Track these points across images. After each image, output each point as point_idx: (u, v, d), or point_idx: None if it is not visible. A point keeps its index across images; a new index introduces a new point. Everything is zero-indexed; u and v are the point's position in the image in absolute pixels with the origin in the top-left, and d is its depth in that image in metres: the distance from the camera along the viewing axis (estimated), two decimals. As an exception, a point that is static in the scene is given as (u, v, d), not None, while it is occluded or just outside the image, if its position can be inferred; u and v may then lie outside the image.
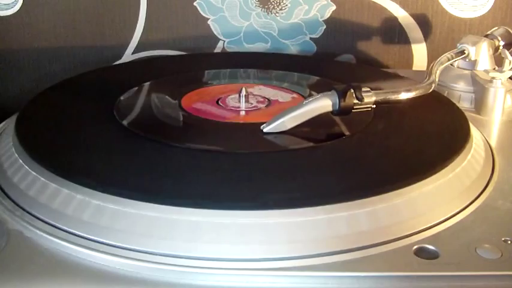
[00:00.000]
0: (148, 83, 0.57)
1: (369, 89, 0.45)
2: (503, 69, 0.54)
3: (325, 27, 0.72)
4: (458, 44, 0.58)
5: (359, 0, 0.71)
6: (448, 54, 0.56)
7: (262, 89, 0.55)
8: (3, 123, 0.51)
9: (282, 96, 0.53)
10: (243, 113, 0.50)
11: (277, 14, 0.72)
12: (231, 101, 0.52)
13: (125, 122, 0.47)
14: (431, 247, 0.34)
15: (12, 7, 0.70)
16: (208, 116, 0.49)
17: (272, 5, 0.72)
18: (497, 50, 0.58)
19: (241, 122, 0.49)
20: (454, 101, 0.55)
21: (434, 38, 0.72)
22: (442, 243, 0.34)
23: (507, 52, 0.55)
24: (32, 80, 0.73)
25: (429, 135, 0.46)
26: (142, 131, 0.45)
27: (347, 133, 0.46)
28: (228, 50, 0.73)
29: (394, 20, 0.72)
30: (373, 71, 0.66)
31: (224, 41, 0.73)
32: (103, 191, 0.36)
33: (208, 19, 0.72)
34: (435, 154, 0.42)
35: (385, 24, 0.72)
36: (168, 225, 0.34)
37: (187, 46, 0.73)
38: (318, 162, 0.41)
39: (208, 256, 0.33)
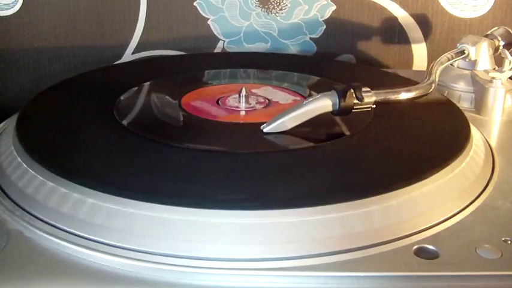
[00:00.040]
0: (148, 83, 0.57)
1: (369, 89, 0.45)
2: (503, 69, 0.54)
3: (325, 27, 0.72)
4: (458, 44, 0.58)
5: (359, 0, 0.71)
6: (448, 54, 0.56)
7: (267, 90, 0.55)
8: (3, 123, 0.51)
9: (285, 98, 0.53)
10: (243, 113, 0.50)
11: (277, 14, 0.72)
12: (231, 101, 0.52)
13: (125, 122, 0.47)
14: (431, 247, 0.34)
15: (12, 7, 0.70)
16: (208, 116, 0.49)
17: (272, 5, 0.72)
18: (497, 50, 0.58)
19: (241, 122, 0.49)
20: (454, 101, 0.55)
21: (434, 38, 0.72)
22: (442, 243, 0.34)
23: (507, 52, 0.55)
24: (32, 80, 0.73)
25: (429, 135, 0.46)
26: (143, 131, 0.45)
27: (347, 133, 0.46)
28: (228, 50, 0.73)
29: (394, 20, 0.72)
30: (373, 71, 0.66)
31: (224, 41, 0.73)
32: (103, 191, 0.36)
33: (208, 19, 0.72)
34: (435, 154, 0.42)
35: (385, 24, 0.72)
36: (168, 225, 0.34)
37: (187, 46, 0.73)
38: (318, 162, 0.41)
39: (208, 256, 0.33)
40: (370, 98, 0.45)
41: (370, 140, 0.45)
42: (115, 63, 0.73)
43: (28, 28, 0.71)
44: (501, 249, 0.34)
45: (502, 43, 0.58)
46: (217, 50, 0.74)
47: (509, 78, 0.54)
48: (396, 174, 0.39)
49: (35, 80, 0.73)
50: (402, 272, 0.32)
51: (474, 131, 0.48)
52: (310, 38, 0.73)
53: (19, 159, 0.41)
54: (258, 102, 0.52)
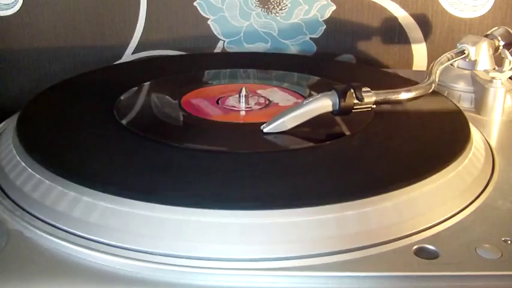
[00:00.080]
0: (148, 83, 0.57)
1: (369, 89, 0.45)
2: (503, 69, 0.54)
3: (325, 27, 0.72)
4: (458, 44, 0.58)
5: (359, 0, 0.71)
6: (448, 54, 0.56)
7: (273, 91, 0.54)
8: (3, 123, 0.51)
9: (287, 99, 0.53)
10: (243, 113, 0.50)
11: (277, 14, 0.72)
12: (231, 101, 0.52)
13: (125, 122, 0.47)
14: (431, 247, 0.34)
15: (12, 7, 0.70)
16: (208, 116, 0.49)
17: (272, 5, 0.72)
18: (497, 50, 0.58)
19: (241, 122, 0.49)
20: (454, 101, 0.55)
21: (434, 38, 0.72)
22: (442, 243, 0.34)
23: (507, 52, 0.55)
24: (32, 80, 0.73)
25: (429, 135, 0.46)
26: (143, 131, 0.45)
27: (347, 133, 0.46)
28: (228, 50, 0.73)
29: (394, 20, 0.72)
30: (373, 71, 0.66)
31: (224, 41, 0.73)
32: (103, 191, 0.36)
33: (208, 19, 0.72)
34: (435, 154, 0.42)
35: (385, 24, 0.72)
36: (168, 225, 0.34)
37: (187, 46, 0.73)
38: (318, 162, 0.41)
39: (208, 256, 0.33)
40: (370, 98, 0.45)
41: (370, 140, 0.45)
42: (115, 63, 0.73)
43: (28, 28, 0.71)
44: (501, 249, 0.34)
45: (502, 43, 0.58)
46: (217, 50, 0.74)
47: (509, 78, 0.54)
48: (396, 174, 0.39)
49: (35, 80, 0.73)
50: (402, 272, 0.32)
51: (474, 131, 0.48)
52: (310, 38, 0.73)
53: (19, 159, 0.41)
54: (258, 103, 0.52)
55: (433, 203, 0.37)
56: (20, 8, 0.70)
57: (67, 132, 0.46)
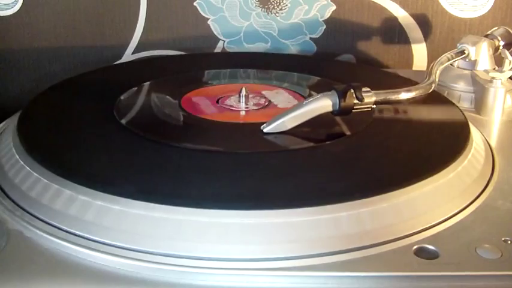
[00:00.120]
0: (148, 83, 0.57)
1: (369, 89, 0.45)
2: (503, 69, 0.54)
3: (325, 27, 0.72)
4: (458, 44, 0.58)
5: (359, 0, 0.71)
6: (448, 54, 0.56)
7: (279, 93, 0.54)
8: (3, 123, 0.51)
9: (288, 101, 0.53)
10: (243, 113, 0.50)
11: (277, 14, 0.72)
12: (231, 101, 0.52)
13: (125, 122, 0.47)
14: (431, 247, 0.34)
15: (12, 7, 0.70)
16: (208, 116, 0.49)
17: (272, 5, 0.72)
18: (497, 50, 0.58)
19: (241, 122, 0.49)
20: (454, 101, 0.55)
21: (434, 38, 0.72)
22: (442, 243, 0.34)
23: (507, 52, 0.55)
24: (32, 80, 0.73)
25: (429, 135, 0.46)
26: (143, 131, 0.45)
27: (347, 133, 0.46)
28: (228, 50, 0.73)
29: (394, 20, 0.72)
30: (373, 71, 0.66)
31: (224, 41, 0.73)
32: (103, 191, 0.36)
33: (208, 19, 0.72)
34: (435, 154, 0.42)
35: (385, 24, 0.72)
36: (168, 225, 0.34)
37: (187, 46, 0.73)
38: (318, 162, 0.41)
39: (208, 256, 0.33)
40: (370, 98, 0.45)
41: (370, 140, 0.45)
42: (115, 63, 0.73)
43: (28, 28, 0.71)
44: (501, 249, 0.34)
45: (502, 43, 0.58)
46: (217, 50, 0.74)
47: (509, 78, 0.54)
48: (396, 174, 0.39)
49: (35, 80, 0.73)
50: (402, 272, 0.32)
51: (474, 131, 0.48)
52: (310, 38, 0.73)
53: (19, 159, 0.41)
54: (258, 103, 0.52)
55: (433, 203, 0.37)
56: (20, 8, 0.70)
57: (67, 132, 0.46)
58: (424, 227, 0.36)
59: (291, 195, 0.36)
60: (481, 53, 0.57)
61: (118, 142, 0.44)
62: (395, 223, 0.35)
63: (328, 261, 0.33)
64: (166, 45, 0.73)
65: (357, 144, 0.44)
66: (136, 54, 0.73)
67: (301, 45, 0.73)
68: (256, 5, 0.72)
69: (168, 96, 0.53)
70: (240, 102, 0.51)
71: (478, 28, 0.71)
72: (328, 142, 0.44)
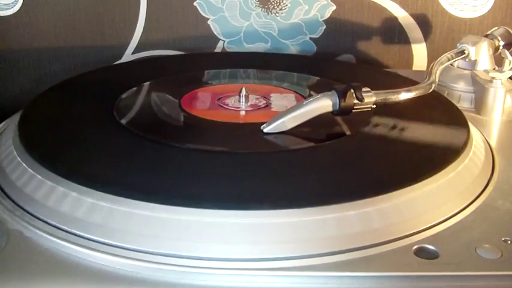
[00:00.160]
0: (148, 83, 0.57)
1: (369, 89, 0.45)
2: (503, 69, 0.54)
3: (325, 27, 0.72)
4: (458, 44, 0.58)
5: (359, 0, 0.71)
6: (448, 54, 0.56)
7: (287, 96, 0.54)
8: (3, 123, 0.51)
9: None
10: (243, 113, 0.50)
11: (277, 14, 0.72)
12: (231, 101, 0.52)
13: (125, 122, 0.47)
14: (431, 247, 0.34)
15: (12, 7, 0.70)
16: (208, 116, 0.49)
17: (272, 5, 0.72)
18: (497, 50, 0.58)
19: (241, 122, 0.49)
20: (454, 101, 0.55)
21: (434, 38, 0.72)
22: (442, 243, 0.34)
23: (507, 52, 0.55)
24: (32, 80, 0.73)
25: (429, 136, 0.46)
26: (143, 131, 0.45)
27: (347, 133, 0.46)
28: (228, 50, 0.73)
29: (394, 20, 0.72)
30: (373, 71, 0.66)
31: (224, 41, 0.73)
32: (103, 191, 0.36)
33: (208, 19, 0.72)
34: (435, 154, 0.42)
35: (385, 24, 0.72)
36: (168, 225, 0.34)
37: (187, 46, 0.73)
38: (318, 162, 0.41)
39: (209, 256, 0.33)
40: (370, 98, 0.45)
41: (370, 140, 0.45)
42: (115, 63, 0.73)
43: (28, 28, 0.71)
44: (501, 249, 0.34)
45: (502, 43, 0.58)
46: (217, 50, 0.74)
47: (509, 78, 0.54)
48: (396, 174, 0.39)
49: (35, 80, 0.73)
50: (402, 272, 0.32)
51: (474, 131, 0.48)
52: (310, 38, 0.73)
53: (19, 159, 0.41)
54: (258, 102, 0.51)
55: (433, 203, 0.37)
56: (20, 8, 0.70)
57: (68, 132, 0.46)
58: (424, 227, 0.36)
59: (291, 195, 0.36)
60: (481, 53, 0.57)
61: (118, 142, 0.44)
62: (396, 223, 0.35)
63: (328, 261, 0.33)
64: (166, 45, 0.73)
65: (356, 145, 0.44)
66: (136, 54, 0.73)
67: (301, 45, 0.73)
68: (256, 5, 0.72)
69: (168, 96, 0.53)
70: (240, 102, 0.51)
71: (478, 28, 0.71)
72: (328, 142, 0.44)
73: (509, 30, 0.59)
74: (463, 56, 0.57)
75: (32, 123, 0.47)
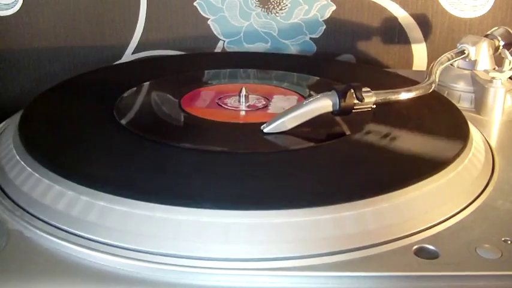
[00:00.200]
0: (148, 83, 0.57)
1: (369, 89, 0.45)
2: (503, 69, 0.54)
3: (325, 27, 0.72)
4: (458, 44, 0.58)
5: (359, 0, 0.71)
6: (448, 54, 0.56)
7: (289, 99, 0.54)
8: (3, 123, 0.51)
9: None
10: (243, 113, 0.50)
11: (277, 14, 0.72)
12: (231, 101, 0.52)
13: (125, 122, 0.47)
14: (431, 247, 0.34)
15: (12, 7, 0.70)
16: (208, 116, 0.49)
17: (272, 5, 0.72)
18: (497, 50, 0.58)
19: (241, 122, 0.49)
20: (454, 101, 0.55)
21: (434, 38, 0.72)
22: (442, 243, 0.34)
23: (507, 52, 0.55)
24: (32, 80, 0.73)
25: (429, 136, 0.46)
26: (143, 131, 0.45)
27: (347, 133, 0.46)
28: (228, 50, 0.73)
29: (394, 20, 0.72)
30: (373, 71, 0.66)
31: (224, 41, 0.73)
32: (103, 191, 0.36)
33: (208, 19, 0.72)
34: (435, 154, 0.42)
35: (385, 24, 0.72)
36: (168, 225, 0.34)
37: (187, 46, 0.73)
38: (318, 162, 0.41)
39: (209, 256, 0.33)
40: (370, 98, 0.45)
41: (370, 140, 0.45)
42: (115, 63, 0.73)
43: (28, 28, 0.71)
44: (501, 249, 0.34)
45: (502, 43, 0.58)
46: (217, 50, 0.74)
47: (509, 78, 0.54)
48: (396, 174, 0.39)
49: (35, 80, 0.73)
50: (402, 272, 0.32)
51: (474, 131, 0.48)
52: (310, 38, 0.73)
53: (19, 159, 0.41)
54: (258, 102, 0.51)
55: (433, 203, 0.37)
56: (20, 8, 0.70)
57: (68, 132, 0.46)
58: (424, 227, 0.36)
59: (290, 196, 0.36)
60: (481, 53, 0.57)
61: (118, 142, 0.44)
62: (396, 223, 0.35)
63: (328, 261, 0.33)
64: (166, 45, 0.73)
65: (356, 145, 0.44)
66: (136, 54, 0.73)
67: (301, 45, 0.73)
68: (256, 5, 0.72)
69: (168, 96, 0.53)
70: (240, 102, 0.51)
71: (478, 28, 0.71)
72: (328, 142, 0.44)
73: (509, 30, 0.59)
74: (463, 56, 0.57)
75: (32, 123, 0.47)
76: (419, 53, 0.73)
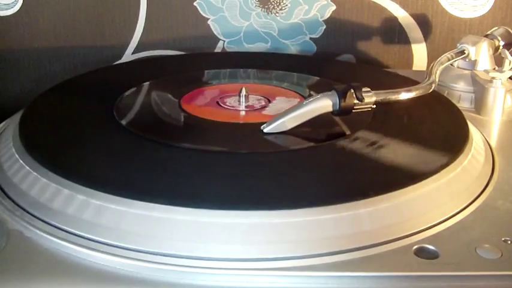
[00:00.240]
0: (148, 83, 0.57)
1: (369, 89, 0.45)
2: (503, 69, 0.54)
3: (325, 27, 0.72)
4: (458, 44, 0.58)
5: (359, 0, 0.71)
6: (448, 54, 0.56)
7: (291, 101, 0.54)
8: (3, 123, 0.51)
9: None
10: (243, 113, 0.50)
11: (277, 14, 0.72)
12: (231, 101, 0.52)
13: (124, 122, 0.47)
14: (431, 247, 0.34)
15: (12, 7, 0.70)
16: (208, 116, 0.49)
17: (272, 5, 0.72)
18: (497, 50, 0.58)
19: (241, 122, 0.49)
20: (454, 101, 0.55)
21: (434, 38, 0.72)
22: (442, 243, 0.34)
23: (507, 52, 0.55)
24: (32, 80, 0.73)
25: (429, 136, 0.46)
26: (142, 131, 0.45)
27: (347, 133, 0.46)
28: (228, 50, 0.73)
29: (394, 20, 0.72)
30: (373, 71, 0.66)
31: (224, 41, 0.73)
32: (103, 191, 0.36)
33: (208, 19, 0.72)
34: (435, 154, 0.42)
35: (385, 24, 0.72)
36: (168, 225, 0.34)
37: (187, 46, 0.73)
38: (318, 162, 0.41)
39: (209, 256, 0.33)
40: (370, 98, 0.45)
41: (370, 140, 0.44)
42: (115, 63, 0.73)
43: (28, 28, 0.71)
44: (501, 249, 0.34)
45: (502, 43, 0.58)
46: (217, 50, 0.74)
47: (509, 78, 0.54)
48: (396, 174, 0.39)
49: (35, 80, 0.73)
50: (402, 272, 0.32)
51: (474, 131, 0.48)
52: (310, 38, 0.73)
53: (19, 159, 0.41)
54: (258, 102, 0.51)
55: (433, 203, 0.37)
56: (20, 8, 0.70)
57: (67, 132, 0.46)
58: (424, 227, 0.36)
59: (290, 196, 0.36)
60: (481, 53, 0.57)
61: (118, 142, 0.44)
62: (396, 223, 0.35)
63: (328, 261, 0.33)
64: (166, 45, 0.73)
65: (357, 145, 0.44)
66: (136, 54, 0.73)
67: (301, 45, 0.73)
68: (256, 5, 0.72)
69: (168, 96, 0.53)
70: (240, 102, 0.51)
71: (478, 28, 0.71)
72: (328, 142, 0.44)
73: (509, 30, 0.59)
74: (463, 56, 0.57)
75: (33, 123, 0.47)
76: (419, 53, 0.73)
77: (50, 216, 0.36)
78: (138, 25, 0.72)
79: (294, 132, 0.44)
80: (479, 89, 0.55)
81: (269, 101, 0.52)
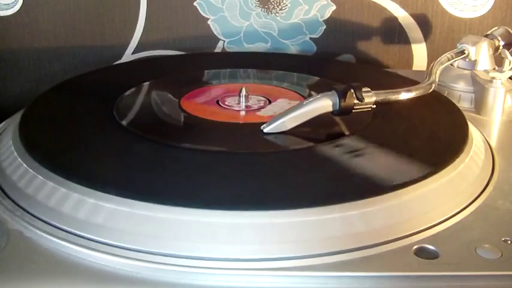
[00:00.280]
0: (148, 83, 0.57)
1: (369, 89, 0.45)
2: (503, 69, 0.54)
3: (325, 27, 0.72)
4: (458, 44, 0.58)
5: (359, 0, 0.71)
6: (448, 54, 0.56)
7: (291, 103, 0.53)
8: (3, 123, 0.51)
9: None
10: (243, 113, 0.50)
11: (277, 14, 0.72)
12: (231, 101, 0.52)
13: (124, 122, 0.47)
14: (431, 247, 0.34)
15: (12, 7, 0.70)
16: (208, 116, 0.49)
17: (272, 5, 0.72)
18: (497, 50, 0.58)
19: (241, 122, 0.49)
20: (454, 101, 0.55)
21: (434, 38, 0.72)
22: (442, 243, 0.34)
23: (507, 52, 0.55)
24: (32, 80, 0.73)
25: (429, 136, 0.46)
26: (142, 131, 0.45)
27: (347, 133, 0.46)
28: (228, 50, 0.73)
29: (394, 20, 0.72)
30: (373, 71, 0.66)
31: (224, 41, 0.73)
32: (103, 191, 0.36)
33: (208, 19, 0.72)
34: (435, 154, 0.42)
35: (385, 24, 0.72)
36: (168, 225, 0.34)
37: (187, 46, 0.73)
38: (318, 162, 0.41)
39: (209, 256, 0.33)
40: (370, 98, 0.45)
41: (370, 140, 0.44)
42: (115, 63, 0.73)
43: (28, 28, 0.71)
44: (501, 249, 0.34)
45: (502, 43, 0.58)
46: (217, 50, 0.74)
47: (509, 78, 0.54)
48: (396, 174, 0.39)
49: (35, 80, 0.73)
50: (402, 272, 0.32)
51: (474, 131, 0.48)
52: (310, 38, 0.73)
53: (19, 159, 0.41)
54: (258, 102, 0.51)
55: (433, 203, 0.37)
56: (20, 8, 0.70)
57: (68, 132, 0.46)
58: (424, 227, 0.36)
59: (291, 195, 0.36)
60: (481, 53, 0.57)
61: (118, 142, 0.44)
62: (396, 223, 0.35)
63: (328, 261, 0.33)
64: (166, 45, 0.73)
65: (356, 145, 0.44)
66: (136, 54, 0.73)
67: (301, 45, 0.73)
68: (256, 5, 0.72)
69: (168, 96, 0.53)
70: (240, 102, 0.51)
71: (478, 28, 0.71)
72: (328, 142, 0.44)
73: (509, 30, 0.59)
74: (463, 56, 0.57)
75: (33, 123, 0.47)
76: (419, 53, 0.73)
77: (50, 216, 0.36)
78: (138, 25, 0.72)
79: (294, 132, 0.44)
80: (479, 89, 0.55)
81: (269, 101, 0.52)
